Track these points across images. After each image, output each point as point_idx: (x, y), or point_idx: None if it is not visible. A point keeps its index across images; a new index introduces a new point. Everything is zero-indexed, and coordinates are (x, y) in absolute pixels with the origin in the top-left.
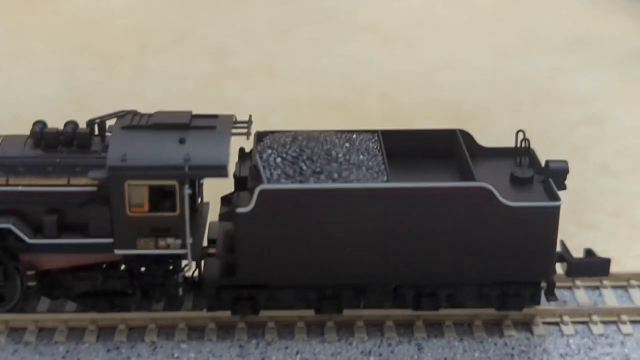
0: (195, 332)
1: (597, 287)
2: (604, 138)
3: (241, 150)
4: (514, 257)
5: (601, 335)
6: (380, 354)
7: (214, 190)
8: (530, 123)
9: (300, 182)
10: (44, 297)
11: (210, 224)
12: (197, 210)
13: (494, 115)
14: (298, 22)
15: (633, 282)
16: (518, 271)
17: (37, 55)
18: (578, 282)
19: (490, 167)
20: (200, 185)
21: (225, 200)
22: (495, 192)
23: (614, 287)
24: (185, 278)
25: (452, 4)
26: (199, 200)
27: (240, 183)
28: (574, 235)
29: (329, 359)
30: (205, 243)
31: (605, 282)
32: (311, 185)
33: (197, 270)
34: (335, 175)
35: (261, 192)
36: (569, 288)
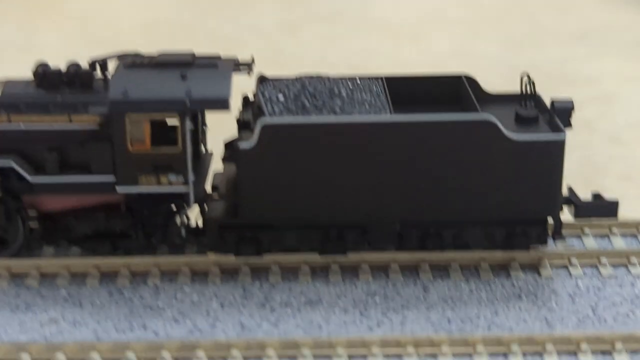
0: (199, 275)
1: (606, 235)
2: (614, 113)
3: (245, 98)
4: (520, 193)
5: (610, 276)
6: (385, 295)
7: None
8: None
9: (302, 115)
10: (46, 246)
11: (214, 174)
12: (201, 156)
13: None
14: (307, 19)
15: None
16: (524, 208)
17: (49, 48)
18: (587, 230)
19: (496, 110)
20: (204, 132)
21: (229, 145)
22: (500, 126)
23: (624, 235)
24: (189, 222)
25: (463, 1)
26: (203, 147)
27: (244, 128)
28: (583, 196)
29: (333, 300)
30: (209, 191)
31: (614, 230)
32: (313, 119)
33: (200, 214)
34: (338, 111)
35: (263, 127)
36: (578, 236)
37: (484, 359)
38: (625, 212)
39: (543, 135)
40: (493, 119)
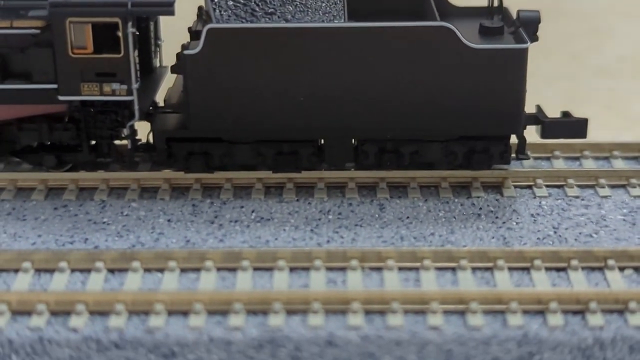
0: (148, 192)
1: (577, 158)
2: (604, 47)
3: (200, 7)
4: (481, 108)
5: (577, 197)
6: (339, 213)
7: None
8: None
9: (251, 22)
10: None
11: (168, 89)
12: (154, 69)
13: None
14: None
15: (616, 153)
16: (485, 124)
17: None
18: (557, 152)
19: (460, 22)
20: (159, 45)
21: (180, 55)
22: (458, 33)
23: (596, 158)
24: (135, 135)
25: None
26: (157, 61)
27: (196, 37)
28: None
29: (285, 217)
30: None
31: (586, 153)
32: (261, 25)
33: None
34: (289, 17)
35: (209, 32)
36: (547, 158)
37: (431, 274)
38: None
39: (504, 45)
40: (450, 26)
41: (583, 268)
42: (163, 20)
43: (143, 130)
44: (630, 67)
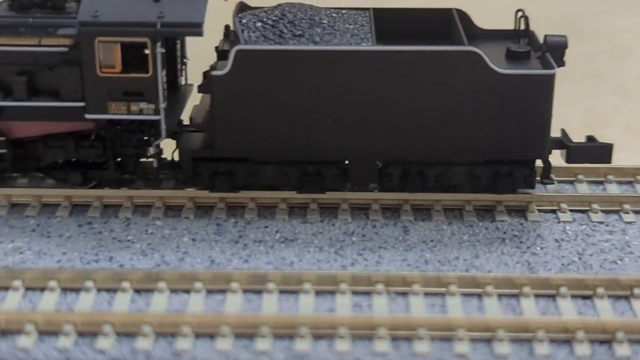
0: (173, 210)
1: (600, 182)
2: (624, 66)
3: (227, 26)
4: (506, 132)
5: (601, 222)
6: (363, 235)
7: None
8: None
9: (279, 44)
10: (21, 178)
11: (194, 106)
12: (179, 87)
13: None
14: None
15: None
16: (511, 149)
17: None
18: (580, 176)
19: (487, 45)
20: (185, 64)
21: (206, 75)
22: (485, 58)
23: (619, 182)
24: (161, 154)
25: None
26: (182, 79)
27: (222, 57)
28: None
29: (309, 238)
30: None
31: (610, 177)
32: (289, 47)
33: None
34: (317, 39)
35: (238, 53)
36: (571, 182)
37: (457, 300)
38: (626, 163)
39: (531, 70)
40: (478, 51)
41: (609, 296)
42: (189, 38)
43: (168, 148)
44: None
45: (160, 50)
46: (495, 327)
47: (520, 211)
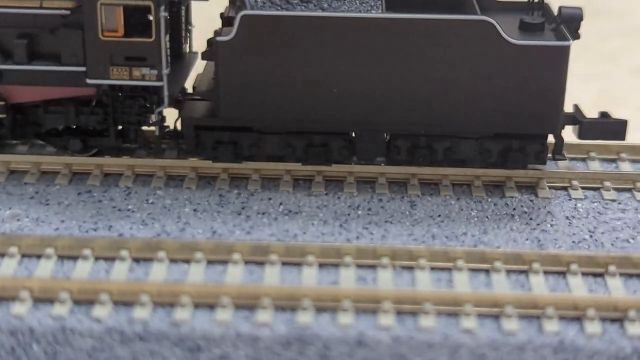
0: (175, 180)
1: (613, 160)
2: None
3: None
4: (518, 106)
5: (613, 200)
6: (369, 209)
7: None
8: None
9: (286, 10)
10: (21, 145)
11: (198, 74)
12: (184, 55)
13: None
14: None
15: None
16: (522, 122)
17: None
18: (593, 154)
19: (500, 17)
20: (190, 30)
21: (210, 42)
22: (499, 28)
23: (633, 161)
24: (163, 122)
25: None
26: (187, 47)
27: (227, 24)
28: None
29: (313, 211)
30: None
31: (623, 155)
32: (296, 12)
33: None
34: (325, 5)
35: (243, 18)
36: (583, 159)
37: (464, 275)
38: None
39: (545, 41)
40: (491, 20)
41: (621, 274)
42: (194, 4)
43: (171, 117)
44: None
45: (163, 14)
46: (504, 302)
47: (531, 187)
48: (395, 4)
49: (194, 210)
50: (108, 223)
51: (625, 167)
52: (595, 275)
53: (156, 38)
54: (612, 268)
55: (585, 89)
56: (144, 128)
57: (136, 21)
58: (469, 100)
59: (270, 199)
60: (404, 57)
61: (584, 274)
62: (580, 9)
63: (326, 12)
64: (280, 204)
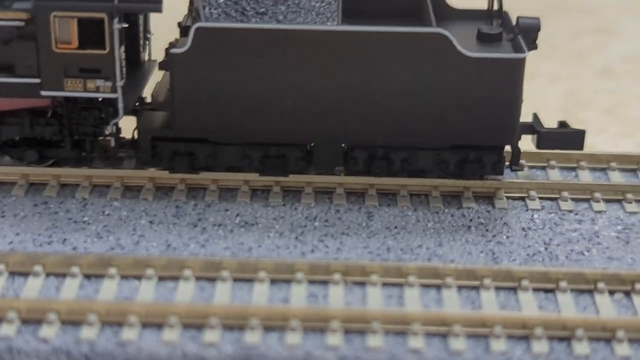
0: (132, 191)
1: (573, 168)
2: (609, 45)
3: (191, 2)
4: (474, 117)
5: (570, 211)
6: (326, 220)
7: None
8: None
9: (241, 22)
10: None
11: (157, 84)
12: (142, 64)
13: None
14: None
15: (613, 165)
16: (478, 133)
17: None
18: (552, 162)
19: (458, 26)
20: (148, 39)
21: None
22: (453, 40)
23: (592, 169)
24: (119, 133)
25: None
26: (146, 55)
27: (185, 33)
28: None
29: (270, 223)
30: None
31: (582, 163)
32: (251, 25)
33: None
34: (281, 17)
35: (197, 30)
36: (543, 168)
37: (415, 292)
38: (602, 148)
39: (500, 53)
40: (445, 33)
41: (572, 290)
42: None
43: (130, 126)
44: (635, 68)
45: (117, 26)
46: (452, 321)
47: (489, 198)
48: (354, 14)
49: (150, 222)
50: (63, 236)
51: (585, 175)
52: (546, 290)
53: (110, 50)
54: (563, 284)
55: (551, 89)
56: (102, 138)
57: (90, 33)
58: (424, 112)
59: (227, 210)
60: (359, 68)
61: (535, 290)
62: (537, 19)
63: (281, 24)
64: (237, 215)
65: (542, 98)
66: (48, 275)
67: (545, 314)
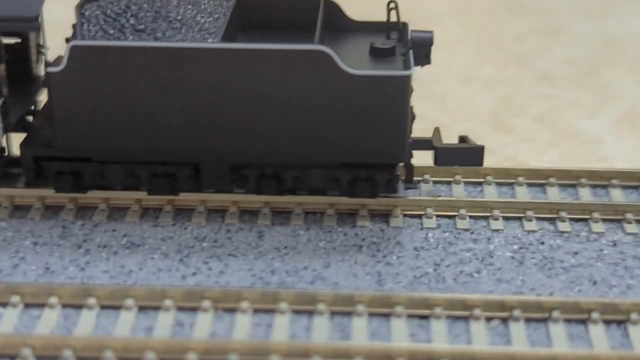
0: (20, 211)
1: (479, 184)
2: (555, 48)
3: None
4: (362, 135)
5: (466, 230)
6: (215, 240)
7: None
8: (478, 32)
9: (118, 39)
10: None
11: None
12: (34, 79)
13: (444, 22)
14: None
15: (520, 179)
16: (368, 152)
17: None
18: (458, 177)
19: (355, 40)
20: (43, 53)
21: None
22: (335, 58)
23: (498, 184)
24: (3, 153)
25: None
26: (39, 67)
27: None
28: (487, 137)
29: (157, 244)
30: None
31: (489, 178)
32: (127, 43)
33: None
34: (159, 35)
35: (73, 49)
36: (448, 183)
37: (285, 319)
38: (525, 157)
39: (383, 71)
40: (327, 50)
41: (446, 317)
42: (52, 26)
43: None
44: (575, 72)
45: None
46: (313, 352)
47: (385, 216)
48: (250, 26)
49: (34, 243)
50: None
51: (489, 190)
52: (421, 317)
53: None
54: (437, 310)
55: (486, 95)
56: None
57: None
58: (311, 130)
59: (114, 230)
60: (243, 87)
61: (410, 316)
62: (430, 32)
63: (159, 41)
64: (124, 235)
65: (475, 104)
66: None
67: (414, 345)
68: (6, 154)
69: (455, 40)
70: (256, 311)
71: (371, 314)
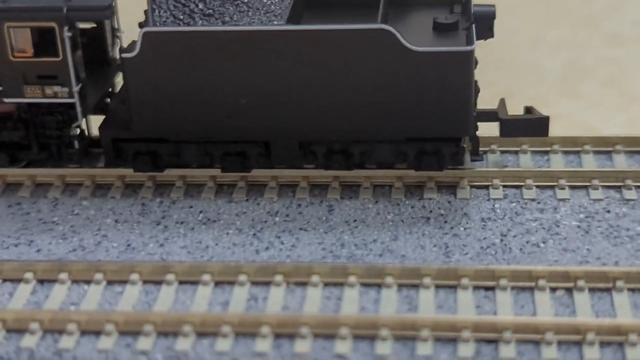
0: (102, 189)
1: (546, 152)
2: (623, 10)
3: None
4: (427, 110)
5: (533, 200)
6: (287, 215)
7: None
8: None
9: (188, 24)
10: None
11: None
12: (111, 64)
13: None
14: None
15: (587, 147)
16: (432, 126)
17: None
18: (525, 146)
19: (418, 15)
20: (119, 37)
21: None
22: (398, 36)
23: (565, 153)
24: (82, 134)
25: None
26: (115, 51)
27: None
28: (555, 104)
29: (232, 219)
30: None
31: (556, 147)
32: (197, 28)
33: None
34: (227, 19)
35: (145, 35)
36: (515, 153)
37: (354, 291)
38: (593, 123)
39: (446, 48)
40: (390, 29)
41: (512, 288)
42: (127, 9)
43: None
44: None
45: (67, 34)
46: (380, 325)
47: (452, 187)
48: (315, 6)
49: (116, 221)
50: (30, 237)
51: (556, 160)
52: (487, 288)
53: (63, 57)
54: (503, 282)
55: (553, 60)
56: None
57: (43, 41)
58: (377, 106)
59: (191, 206)
60: (309, 66)
61: (476, 288)
62: (492, 6)
63: (228, 25)
64: (201, 212)
65: (542, 69)
66: (4, 281)
67: (477, 317)
68: (86, 135)
69: (524, 2)
70: (326, 285)
71: (438, 286)
